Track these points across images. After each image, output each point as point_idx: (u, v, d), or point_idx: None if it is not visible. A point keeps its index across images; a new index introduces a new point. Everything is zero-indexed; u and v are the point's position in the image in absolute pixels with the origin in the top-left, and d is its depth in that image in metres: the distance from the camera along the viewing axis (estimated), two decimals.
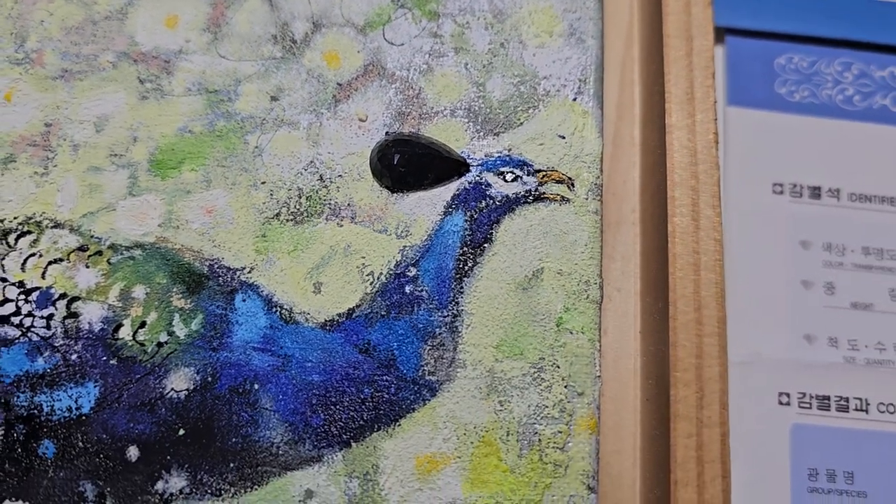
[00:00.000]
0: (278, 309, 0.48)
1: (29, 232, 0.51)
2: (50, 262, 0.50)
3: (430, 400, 0.46)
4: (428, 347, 0.47)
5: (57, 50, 0.55)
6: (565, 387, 0.46)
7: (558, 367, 0.47)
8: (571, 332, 0.47)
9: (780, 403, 0.57)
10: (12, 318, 0.49)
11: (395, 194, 0.50)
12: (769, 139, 0.63)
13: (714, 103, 0.51)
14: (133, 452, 0.46)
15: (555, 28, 0.54)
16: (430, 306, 0.48)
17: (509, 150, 0.51)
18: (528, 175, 0.50)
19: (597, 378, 0.47)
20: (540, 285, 0.48)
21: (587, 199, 0.50)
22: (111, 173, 0.52)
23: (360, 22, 0.55)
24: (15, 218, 0.51)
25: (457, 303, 0.48)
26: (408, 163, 0.50)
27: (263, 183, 0.51)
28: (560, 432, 0.45)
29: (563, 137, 0.51)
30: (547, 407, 0.46)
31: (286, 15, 0.55)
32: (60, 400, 0.47)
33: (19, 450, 0.46)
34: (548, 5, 0.54)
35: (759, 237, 0.61)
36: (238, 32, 0.55)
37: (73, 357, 0.48)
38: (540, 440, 0.45)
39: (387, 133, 0.52)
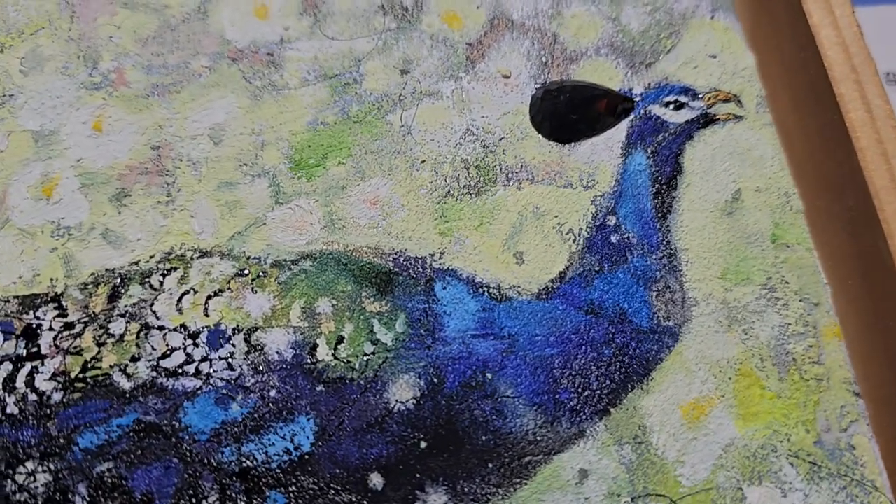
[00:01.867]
0: (485, 289, 0.44)
1: (173, 269, 0.44)
2: (209, 297, 0.44)
3: (673, 346, 0.43)
4: (654, 293, 0.44)
5: (138, 65, 0.48)
6: (800, 301, 0.45)
7: (787, 282, 0.45)
8: (788, 246, 0.46)
9: None
10: (185, 368, 0.42)
11: (566, 145, 0.47)
12: (871, 32, 0.64)
13: None
14: (376, 480, 0.41)
15: None
16: (642, 251, 0.45)
17: (666, 78, 0.49)
18: (693, 100, 0.48)
19: (825, 285, 0.45)
20: (742, 206, 0.46)
21: (758, 112, 0.48)
22: (247, 185, 0.46)
23: None
24: (151, 257, 0.45)
25: (667, 242, 0.45)
26: (576, 108, 0.47)
27: (423, 162, 0.47)
28: (811, 346, 0.44)
29: (715, 56, 0.49)
30: (790, 324, 0.44)
31: None
32: (274, 444, 0.41)
33: None
34: None
35: None
36: (340, 10, 0.50)
37: (273, 393, 0.42)
38: (794, 359, 0.44)
39: (536, 86, 0.48)
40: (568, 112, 0.47)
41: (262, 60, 0.48)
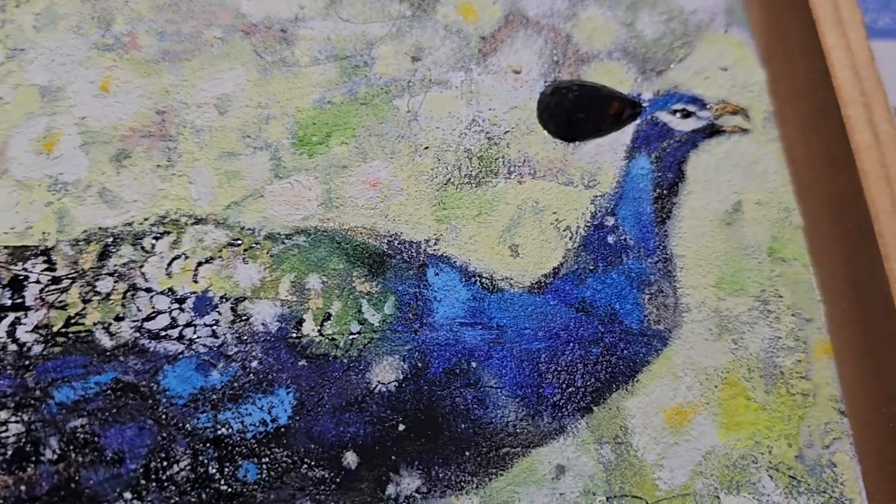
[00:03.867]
0: (477, 278, 0.44)
1: (166, 232, 0.44)
2: (200, 263, 0.44)
3: (662, 350, 0.43)
4: (647, 296, 0.44)
5: (151, 30, 0.48)
6: (793, 315, 0.44)
7: (781, 296, 0.45)
8: (784, 260, 0.46)
9: None
10: (169, 332, 0.42)
11: (571, 144, 0.47)
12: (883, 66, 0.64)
13: (862, 21, 0.51)
14: (351, 459, 0.40)
15: None
16: (639, 254, 0.45)
17: (676, 87, 0.49)
18: (701, 110, 0.48)
19: (819, 302, 0.45)
20: (742, 218, 0.46)
21: (765, 128, 0.48)
22: (248, 157, 0.46)
23: None
24: (145, 219, 0.44)
25: (664, 247, 0.45)
26: (583, 108, 0.47)
27: (426, 148, 0.47)
28: (800, 361, 0.43)
29: (726, 69, 0.49)
30: (781, 338, 0.44)
31: None
32: (251, 414, 0.41)
33: (216, 476, 0.40)
34: None
35: None
36: None
37: (254, 364, 0.42)
38: (782, 372, 0.43)
39: (546, 83, 0.48)
40: (575, 111, 0.47)
41: (275, 36, 0.49)
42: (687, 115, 0.48)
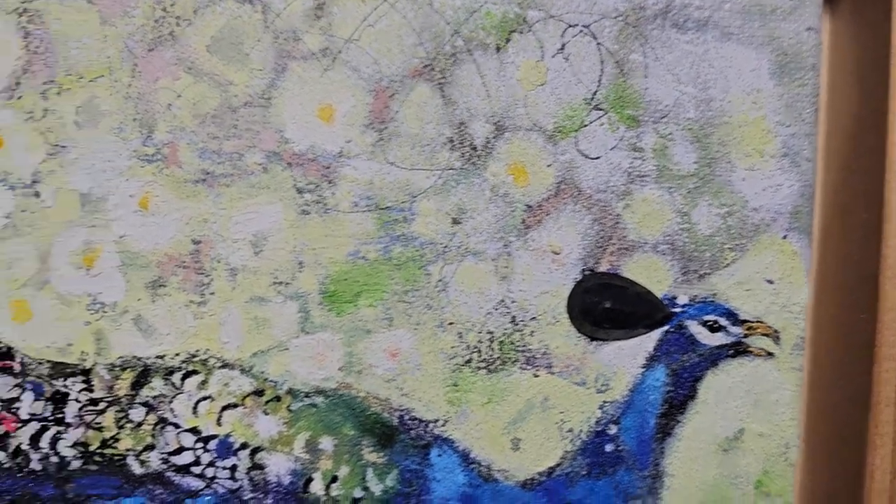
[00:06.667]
0: (476, 465, 0.47)
1: (195, 372, 0.47)
2: (224, 408, 0.47)
3: None
4: None
5: (193, 145, 0.47)
6: None
7: None
8: (768, 495, 0.48)
9: None
10: (192, 469, 0.47)
11: (593, 342, 0.47)
12: None
13: None
14: None
15: (767, 146, 0.48)
16: (631, 466, 0.47)
17: (714, 295, 0.48)
18: (733, 325, 0.47)
19: None
20: (740, 447, 0.48)
21: (791, 354, 0.48)
22: (278, 305, 0.47)
23: (550, 126, 0.48)
24: (177, 355, 0.47)
25: (657, 464, 0.47)
26: (615, 311, 0.47)
27: (451, 324, 0.47)
28: None
29: (772, 282, 0.48)
30: None
31: (462, 112, 0.47)
32: None
33: None
34: (759, 115, 0.48)
35: None
36: (407, 132, 0.47)
37: None
38: None
39: (583, 271, 0.47)
40: (606, 310, 0.47)
41: (318, 171, 0.47)
42: (717, 328, 0.47)
